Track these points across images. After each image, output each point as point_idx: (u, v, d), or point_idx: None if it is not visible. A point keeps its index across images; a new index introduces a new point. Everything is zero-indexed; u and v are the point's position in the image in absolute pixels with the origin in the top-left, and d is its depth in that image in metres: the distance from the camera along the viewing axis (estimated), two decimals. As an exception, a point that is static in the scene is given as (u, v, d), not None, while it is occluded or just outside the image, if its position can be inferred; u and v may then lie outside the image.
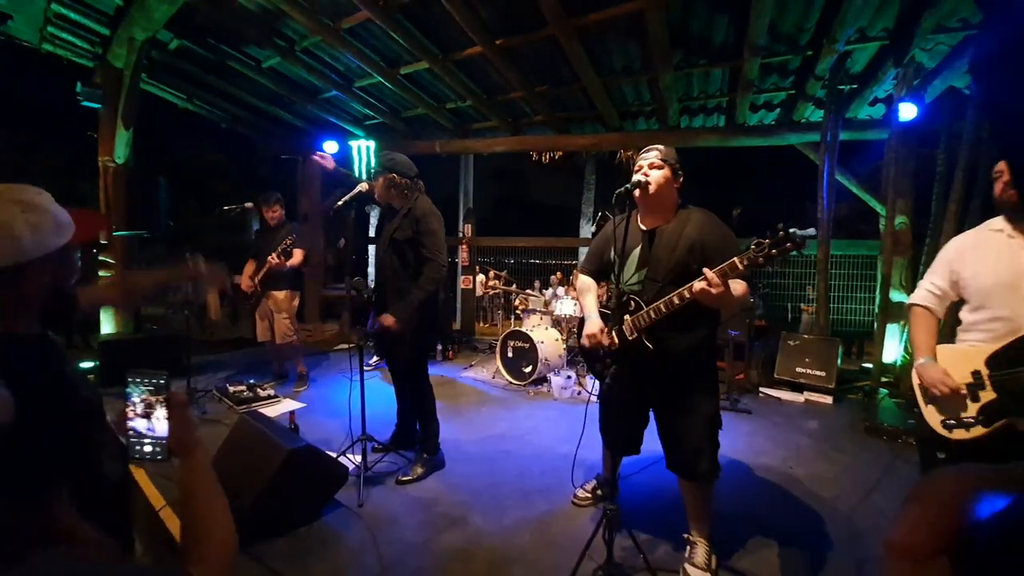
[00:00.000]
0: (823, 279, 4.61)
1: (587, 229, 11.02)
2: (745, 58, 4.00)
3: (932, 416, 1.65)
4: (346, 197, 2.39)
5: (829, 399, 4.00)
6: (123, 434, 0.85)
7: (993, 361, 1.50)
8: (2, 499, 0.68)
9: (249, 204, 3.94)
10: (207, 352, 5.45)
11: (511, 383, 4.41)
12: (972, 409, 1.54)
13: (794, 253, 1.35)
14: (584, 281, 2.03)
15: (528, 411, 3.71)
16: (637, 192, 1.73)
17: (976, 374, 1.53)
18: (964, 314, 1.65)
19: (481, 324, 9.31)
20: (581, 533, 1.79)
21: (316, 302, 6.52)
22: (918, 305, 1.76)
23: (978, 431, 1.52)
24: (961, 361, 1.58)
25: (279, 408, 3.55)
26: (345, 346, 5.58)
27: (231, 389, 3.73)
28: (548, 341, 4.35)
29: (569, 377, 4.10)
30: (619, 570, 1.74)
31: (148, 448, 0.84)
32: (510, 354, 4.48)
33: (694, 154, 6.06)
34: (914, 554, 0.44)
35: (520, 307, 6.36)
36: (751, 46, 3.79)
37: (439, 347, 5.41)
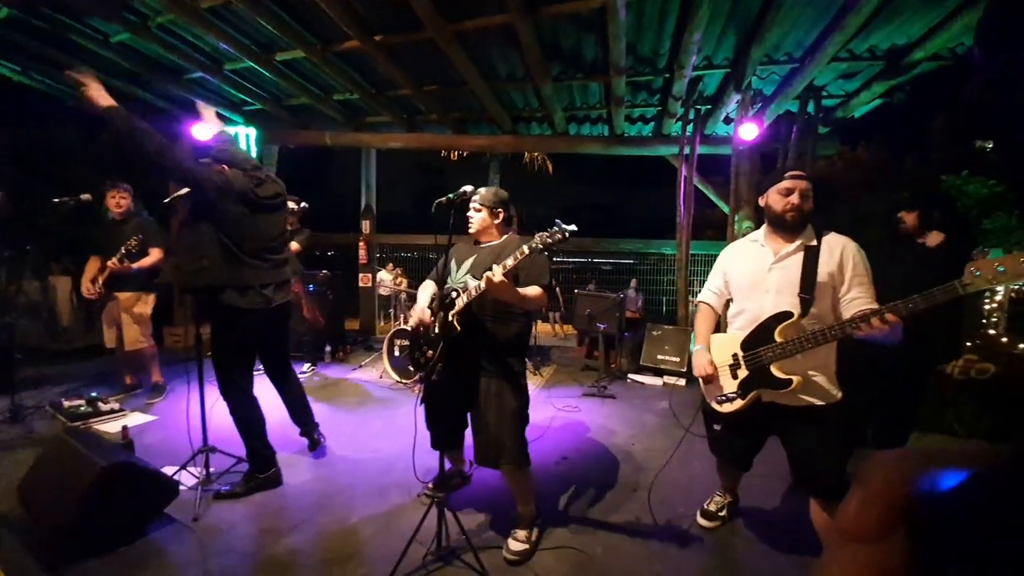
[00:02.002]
0: (682, 276, 5.20)
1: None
2: (612, 76, 4.37)
3: (709, 394, 1.99)
4: (177, 194, 2.25)
5: (683, 381, 4.55)
6: None
7: (745, 345, 1.84)
8: None
9: (87, 196, 3.49)
10: (52, 363, 4.77)
11: (398, 382, 4.42)
12: (733, 385, 1.88)
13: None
14: (425, 283, 2.22)
15: (409, 409, 3.70)
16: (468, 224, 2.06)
17: (735, 356, 1.87)
18: (731, 308, 2.00)
19: (392, 323, 9.12)
20: (425, 522, 1.89)
21: (188, 302, 5.95)
22: (703, 302, 2.11)
23: (739, 404, 1.86)
24: (727, 346, 1.92)
25: (124, 422, 3.22)
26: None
27: (66, 404, 3.32)
28: (435, 339, 4.41)
29: (453, 373, 4.21)
30: (448, 553, 1.87)
31: None
32: (397, 353, 4.48)
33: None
34: (863, 536, 0.44)
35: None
36: (615, 66, 4.15)
37: (328, 348, 5.25)
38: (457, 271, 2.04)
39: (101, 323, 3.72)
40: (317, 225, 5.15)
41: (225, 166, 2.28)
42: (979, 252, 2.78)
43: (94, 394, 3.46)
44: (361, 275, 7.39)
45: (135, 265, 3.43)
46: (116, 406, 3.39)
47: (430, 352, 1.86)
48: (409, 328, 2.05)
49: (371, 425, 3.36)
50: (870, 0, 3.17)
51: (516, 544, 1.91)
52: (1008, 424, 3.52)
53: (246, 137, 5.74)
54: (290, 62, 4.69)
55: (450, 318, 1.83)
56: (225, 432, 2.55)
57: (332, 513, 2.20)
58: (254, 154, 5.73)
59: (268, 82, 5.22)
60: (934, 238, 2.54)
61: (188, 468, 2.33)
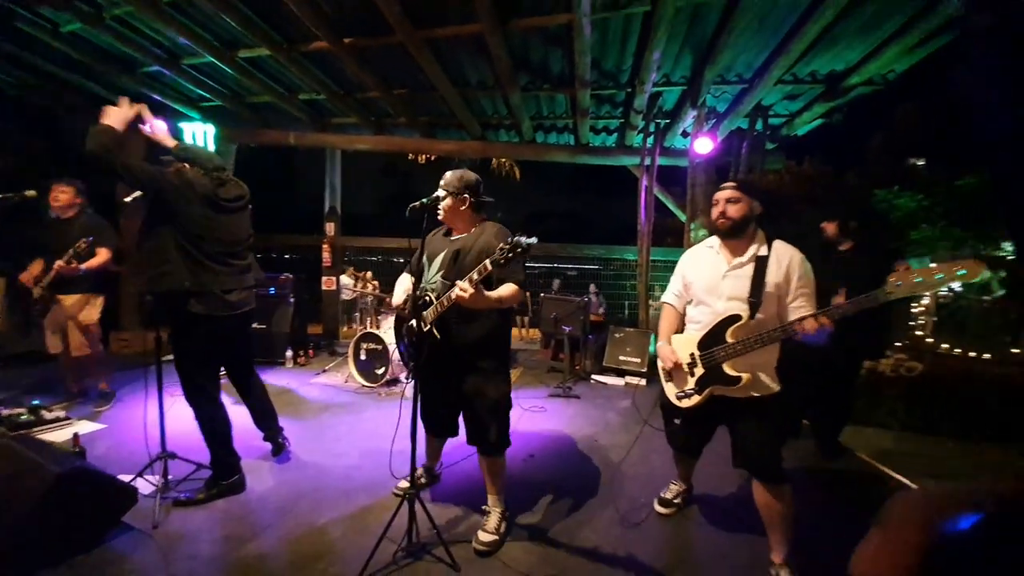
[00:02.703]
0: (643, 281, 5.44)
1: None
2: (577, 88, 4.55)
3: (670, 391, 2.12)
4: (136, 194, 2.18)
5: (643, 381, 4.75)
6: None
7: (701, 344, 1.99)
8: None
9: (31, 192, 3.30)
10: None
11: (364, 386, 4.38)
12: (691, 382, 2.02)
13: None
14: (402, 278, 2.26)
15: (375, 412, 3.74)
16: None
17: (692, 356, 2.02)
18: (689, 309, 2.15)
19: (356, 327, 8.95)
20: (396, 521, 1.93)
21: (137, 306, 5.64)
22: (666, 303, 2.25)
23: (696, 399, 2.00)
24: (685, 346, 2.06)
25: (72, 431, 3.05)
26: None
27: (5, 413, 3.12)
28: (403, 342, 4.41)
29: (421, 376, 4.23)
30: (419, 548, 1.91)
31: None
32: (363, 356, 4.45)
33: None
34: None
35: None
36: (580, 79, 4.33)
37: (288, 353, 5.13)
38: (429, 268, 2.08)
39: (42, 328, 3.51)
40: (275, 227, 4.99)
41: (186, 164, 2.24)
42: (900, 264, 3.14)
43: (36, 402, 3.26)
44: (325, 278, 7.25)
45: (83, 266, 3.28)
46: (62, 415, 3.20)
47: (414, 352, 1.93)
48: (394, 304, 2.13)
49: (336, 429, 3.33)
50: (812, 27, 3.48)
51: (486, 535, 1.98)
52: (937, 418, 3.91)
53: (204, 134, 5.53)
54: (254, 60, 4.60)
55: (427, 327, 1.91)
56: (181, 438, 2.49)
57: (298, 517, 2.19)
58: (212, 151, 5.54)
59: (229, 78, 5.09)
60: (845, 244, 2.92)
61: (145, 475, 2.25)
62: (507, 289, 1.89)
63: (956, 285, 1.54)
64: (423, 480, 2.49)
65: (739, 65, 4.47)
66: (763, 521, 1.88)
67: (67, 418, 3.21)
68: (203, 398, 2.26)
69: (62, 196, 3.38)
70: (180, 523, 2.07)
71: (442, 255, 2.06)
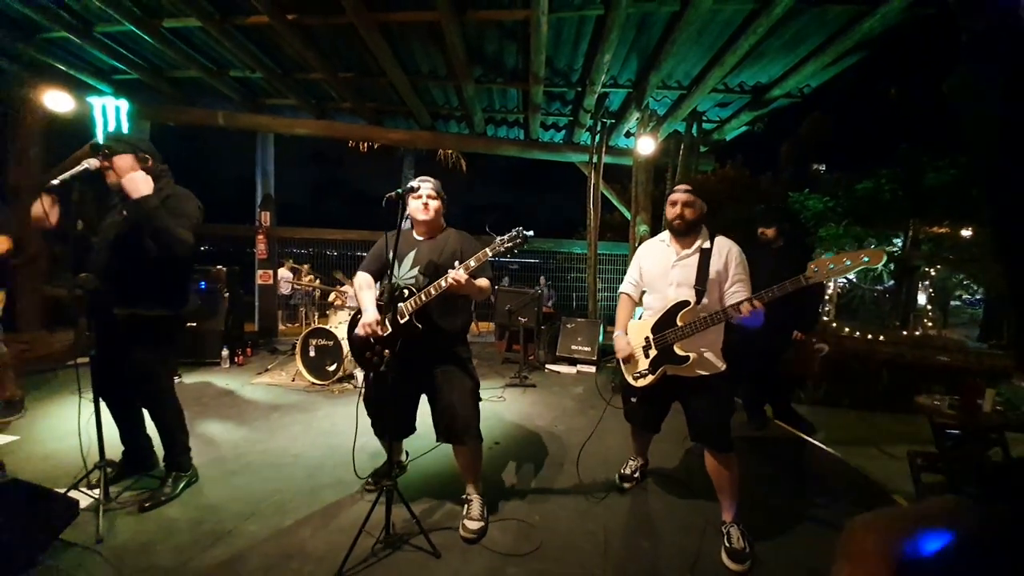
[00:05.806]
0: (592, 273, 5.69)
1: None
2: (530, 84, 4.63)
3: (627, 372, 2.28)
4: (66, 175, 1.93)
5: (593, 368, 4.99)
6: None
7: (654, 329, 2.16)
8: None
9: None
10: None
11: (313, 384, 4.20)
12: (645, 364, 2.18)
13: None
14: (362, 278, 2.21)
15: (329, 410, 3.61)
16: (419, 214, 2.11)
17: (647, 339, 2.18)
18: (645, 298, 2.32)
19: (291, 325, 8.46)
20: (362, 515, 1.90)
21: (38, 304, 4.94)
22: (623, 292, 2.40)
23: (650, 378, 2.16)
24: (641, 331, 2.21)
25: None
26: (86, 360, 4.36)
27: None
28: (355, 336, 4.28)
29: (376, 371, 4.13)
30: (397, 539, 1.91)
31: None
32: (312, 353, 4.26)
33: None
34: None
35: (337, 302, 6.03)
36: (534, 75, 4.42)
37: (224, 352, 4.77)
38: (400, 267, 2.10)
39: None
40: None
41: (148, 157, 2.19)
42: (817, 255, 3.67)
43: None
44: (261, 272, 6.79)
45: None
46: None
47: (387, 352, 1.89)
48: (360, 334, 2.04)
49: (290, 429, 3.18)
50: (745, 42, 3.82)
51: (472, 523, 2.01)
52: (839, 392, 4.51)
53: (115, 110, 4.93)
54: (179, 30, 4.18)
55: (408, 317, 1.93)
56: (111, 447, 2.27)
57: (261, 520, 2.09)
58: (125, 130, 4.96)
59: (148, 49, 4.58)
60: (778, 242, 3.38)
61: (80, 487, 2.03)
62: (483, 282, 2.02)
63: (859, 269, 1.81)
64: (393, 472, 2.46)
65: (679, 73, 4.79)
66: (714, 486, 2.09)
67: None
68: (172, 391, 2.33)
69: None
70: (127, 535, 1.90)
71: (413, 253, 2.11)
